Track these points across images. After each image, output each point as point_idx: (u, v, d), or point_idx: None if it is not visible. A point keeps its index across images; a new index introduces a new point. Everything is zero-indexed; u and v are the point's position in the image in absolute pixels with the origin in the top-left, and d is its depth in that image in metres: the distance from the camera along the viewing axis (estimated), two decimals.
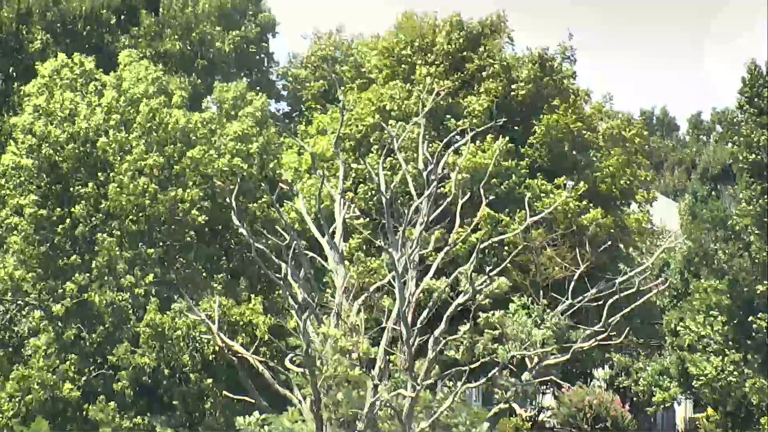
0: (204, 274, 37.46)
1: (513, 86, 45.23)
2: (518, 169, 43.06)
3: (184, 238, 36.53)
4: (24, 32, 48.96)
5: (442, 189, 35.04)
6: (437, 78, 44.30)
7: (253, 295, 37.32)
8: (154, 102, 36.87)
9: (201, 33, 51.12)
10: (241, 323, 35.83)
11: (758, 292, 41.01)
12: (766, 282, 40.64)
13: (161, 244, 36.48)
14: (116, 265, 34.61)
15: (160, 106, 37.21)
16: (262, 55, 55.56)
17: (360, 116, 44.46)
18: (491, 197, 36.71)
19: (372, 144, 43.83)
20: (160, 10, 51.05)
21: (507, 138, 43.14)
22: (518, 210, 40.21)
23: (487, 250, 38.13)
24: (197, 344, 34.20)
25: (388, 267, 33.20)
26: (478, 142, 42.25)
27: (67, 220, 35.10)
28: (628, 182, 45.39)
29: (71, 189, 35.68)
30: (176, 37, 50.24)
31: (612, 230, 42.92)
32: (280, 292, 32.38)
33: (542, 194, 42.16)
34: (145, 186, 35.34)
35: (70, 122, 35.76)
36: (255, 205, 39.57)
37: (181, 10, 51.46)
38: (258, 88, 48.89)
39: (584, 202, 42.76)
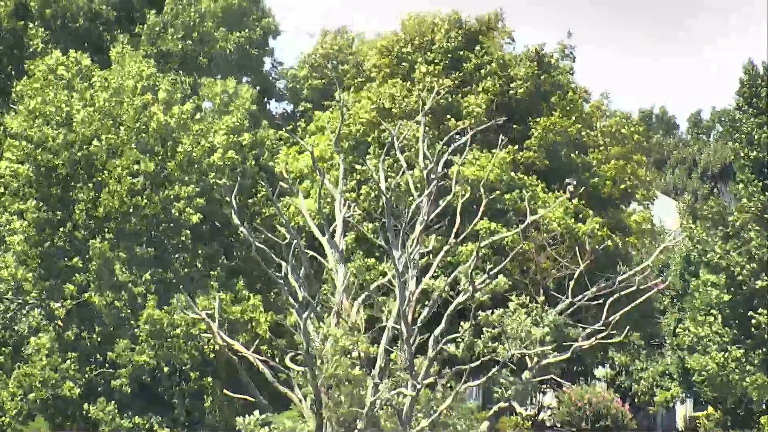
0: (203, 272, 37.31)
1: (512, 84, 45.05)
2: (521, 182, 42.58)
3: (180, 236, 36.40)
4: (23, 29, 48.78)
5: (447, 197, 34.80)
6: (436, 76, 44.14)
7: (252, 294, 37.21)
8: (138, 101, 36.51)
9: (203, 33, 50.95)
10: (242, 320, 35.69)
11: (758, 287, 41.02)
12: (765, 277, 40.62)
13: (159, 240, 36.33)
14: (113, 266, 34.56)
15: (149, 104, 36.82)
16: (264, 58, 55.37)
17: (357, 115, 44.28)
18: (494, 206, 36.45)
19: (371, 143, 43.68)
20: (164, 8, 50.87)
21: (514, 147, 42.82)
22: (518, 220, 39.74)
23: (487, 251, 38.05)
24: (197, 342, 34.05)
25: (389, 266, 33.16)
26: (485, 150, 41.98)
27: (68, 223, 35.08)
28: (628, 184, 44.99)
29: (70, 192, 35.61)
30: (178, 36, 50.10)
31: (611, 235, 42.41)
32: (280, 290, 32.32)
33: (542, 202, 41.53)
34: (133, 186, 35.12)
35: (66, 125, 35.55)
36: (253, 201, 39.41)
37: (185, 9, 51.24)
38: (257, 87, 48.70)
39: (581, 214, 42.39)
